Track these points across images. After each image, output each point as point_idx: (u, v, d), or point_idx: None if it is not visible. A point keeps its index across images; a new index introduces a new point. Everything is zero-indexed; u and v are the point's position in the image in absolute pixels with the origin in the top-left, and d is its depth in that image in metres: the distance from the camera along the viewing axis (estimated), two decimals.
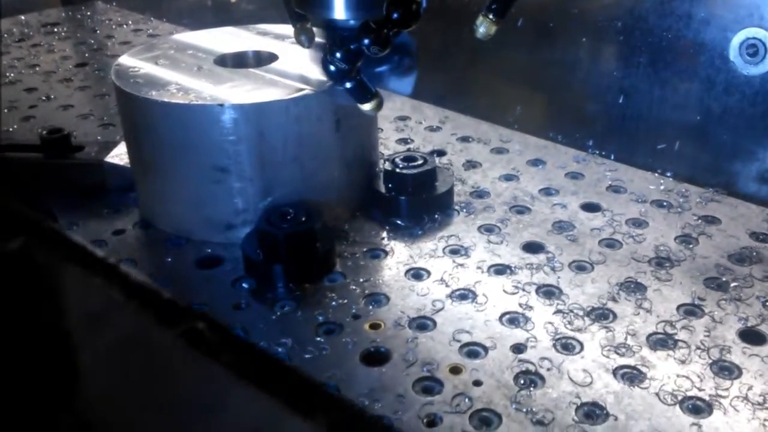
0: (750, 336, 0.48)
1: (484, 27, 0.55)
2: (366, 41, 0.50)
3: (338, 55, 0.51)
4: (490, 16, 0.54)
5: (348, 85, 0.53)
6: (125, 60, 0.61)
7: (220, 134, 0.53)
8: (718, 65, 0.62)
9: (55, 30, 1.12)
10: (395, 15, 0.50)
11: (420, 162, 0.62)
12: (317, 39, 0.59)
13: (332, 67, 0.52)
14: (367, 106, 0.54)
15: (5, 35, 1.10)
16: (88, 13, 1.20)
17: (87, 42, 1.06)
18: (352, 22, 0.54)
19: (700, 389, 0.44)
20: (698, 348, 0.47)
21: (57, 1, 1.27)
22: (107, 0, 1.24)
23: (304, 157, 0.56)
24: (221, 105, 0.53)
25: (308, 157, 0.56)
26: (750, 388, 0.44)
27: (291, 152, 0.55)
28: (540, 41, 0.74)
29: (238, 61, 0.62)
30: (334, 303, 0.52)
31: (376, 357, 0.47)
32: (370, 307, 0.51)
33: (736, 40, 0.60)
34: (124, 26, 1.12)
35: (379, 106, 0.54)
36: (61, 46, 1.05)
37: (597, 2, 0.69)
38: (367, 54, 0.51)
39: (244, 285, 0.54)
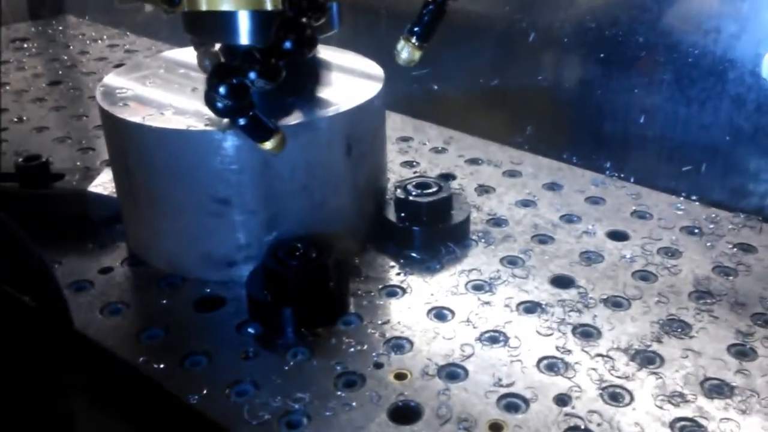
0: None
1: (406, 52, 0.49)
2: (252, 74, 0.42)
3: (221, 90, 0.43)
4: (413, 41, 0.48)
5: (241, 122, 0.45)
6: (111, 80, 0.55)
7: (222, 163, 0.48)
8: (750, 83, 0.59)
9: (25, 45, 1.06)
10: (287, 43, 0.42)
11: (434, 189, 0.57)
12: None
13: (219, 104, 0.44)
14: (267, 145, 0.46)
15: None
16: (60, 28, 1.14)
17: (60, 58, 1.00)
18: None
19: None
20: (755, 394, 0.43)
21: (24, 15, 1.21)
22: (79, 13, 1.18)
23: (313, 185, 0.51)
24: (223, 131, 0.47)
25: (317, 186, 0.51)
26: None
27: (299, 181, 0.50)
28: (553, 57, 0.70)
29: None
30: (352, 349, 0.47)
31: (406, 413, 0.42)
32: (393, 353, 0.46)
33: None
34: (99, 41, 1.07)
35: (281, 144, 0.46)
36: (32, 63, 0.99)
37: (615, 17, 0.65)
38: (252, 88, 0.43)
39: (250, 330, 0.48)
